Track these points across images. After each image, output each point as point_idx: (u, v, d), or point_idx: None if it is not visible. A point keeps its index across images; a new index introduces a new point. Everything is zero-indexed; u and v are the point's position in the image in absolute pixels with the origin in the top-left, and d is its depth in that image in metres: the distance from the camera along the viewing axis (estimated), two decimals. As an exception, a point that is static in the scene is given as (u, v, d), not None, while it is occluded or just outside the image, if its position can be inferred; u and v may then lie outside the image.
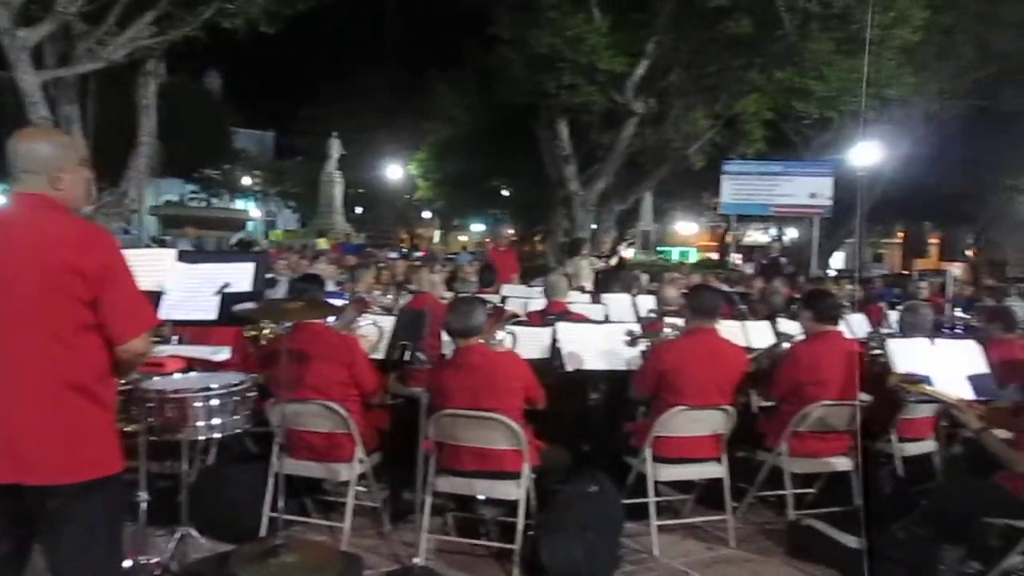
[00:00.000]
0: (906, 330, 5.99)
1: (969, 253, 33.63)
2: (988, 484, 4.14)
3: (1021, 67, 24.24)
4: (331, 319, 5.02)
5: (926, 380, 4.52)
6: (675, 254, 53.04)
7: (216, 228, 24.62)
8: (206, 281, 4.34)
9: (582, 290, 9.50)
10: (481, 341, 4.48)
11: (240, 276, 4.39)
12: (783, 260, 15.22)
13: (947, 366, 4.96)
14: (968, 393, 4.76)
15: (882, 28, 16.69)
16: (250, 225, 38.93)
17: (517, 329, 5.35)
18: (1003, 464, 4.09)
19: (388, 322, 5.53)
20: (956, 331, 8.66)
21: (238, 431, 4.03)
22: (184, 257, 4.53)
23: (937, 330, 7.56)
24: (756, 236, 47.10)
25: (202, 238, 23.00)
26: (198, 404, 3.70)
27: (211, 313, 4.26)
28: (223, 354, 4.48)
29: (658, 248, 40.24)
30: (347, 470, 4.52)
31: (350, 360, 4.55)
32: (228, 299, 4.28)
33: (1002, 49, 23.54)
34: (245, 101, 41.52)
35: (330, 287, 9.41)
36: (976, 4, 22.63)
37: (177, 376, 4.08)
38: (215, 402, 3.75)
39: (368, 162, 38.95)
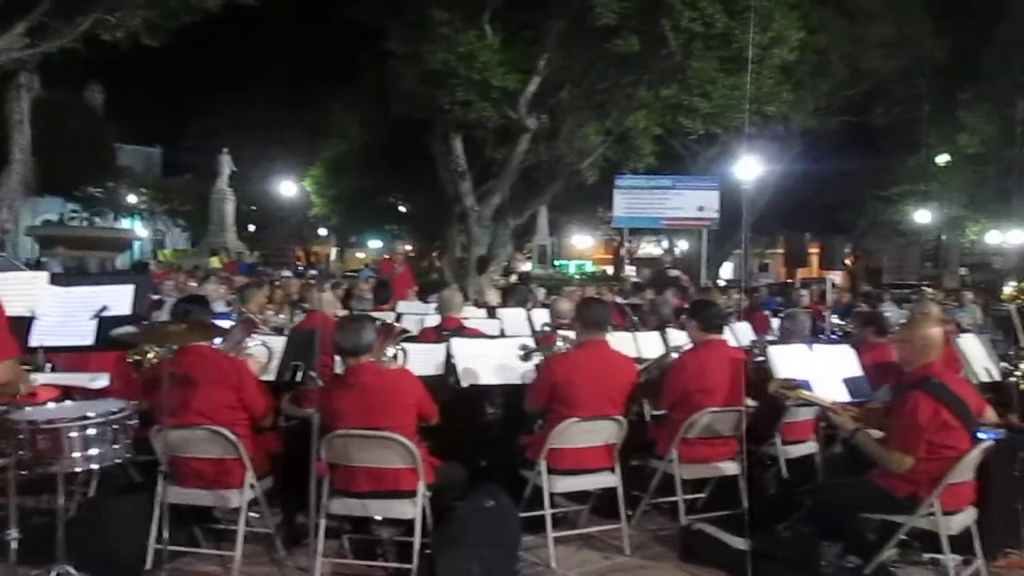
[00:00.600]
0: (785, 337, 6.24)
1: (848, 262, 35.36)
2: (863, 482, 4.34)
3: (889, 85, 25.77)
4: (218, 341, 4.87)
5: (805, 385, 4.71)
6: (572, 267, 53.95)
7: (99, 248, 23.58)
8: (82, 305, 4.15)
9: (486, 306, 9.50)
10: (371, 359, 4.43)
11: (119, 299, 4.22)
12: (673, 272, 15.56)
13: (824, 370, 5.17)
14: (844, 396, 4.98)
15: (761, 48, 17.40)
16: (136, 245, 37.46)
17: (409, 346, 5.31)
18: (876, 462, 4.30)
19: (279, 342, 5.40)
20: (834, 337, 9.04)
21: (119, 461, 3.85)
22: (57, 280, 4.32)
23: (816, 336, 7.89)
24: (650, 248, 48.22)
25: (84, 259, 22.03)
26: (73, 434, 3.53)
27: (87, 338, 4.08)
28: (101, 381, 4.28)
29: (556, 262, 40.77)
30: (238, 496, 4.39)
31: (238, 383, 4.42)
32: (106, 323, 4.10)
33: (872, 68, 24.96)
34: (130, 116, 39.98)
35: (220, 308, 9.17)
36: (848, 26, 23.91)
37: (51, 405, 3.87)
38: (92, 431, 3.58)
39: (261, 179, 38.10)
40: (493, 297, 11.17)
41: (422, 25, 16.99)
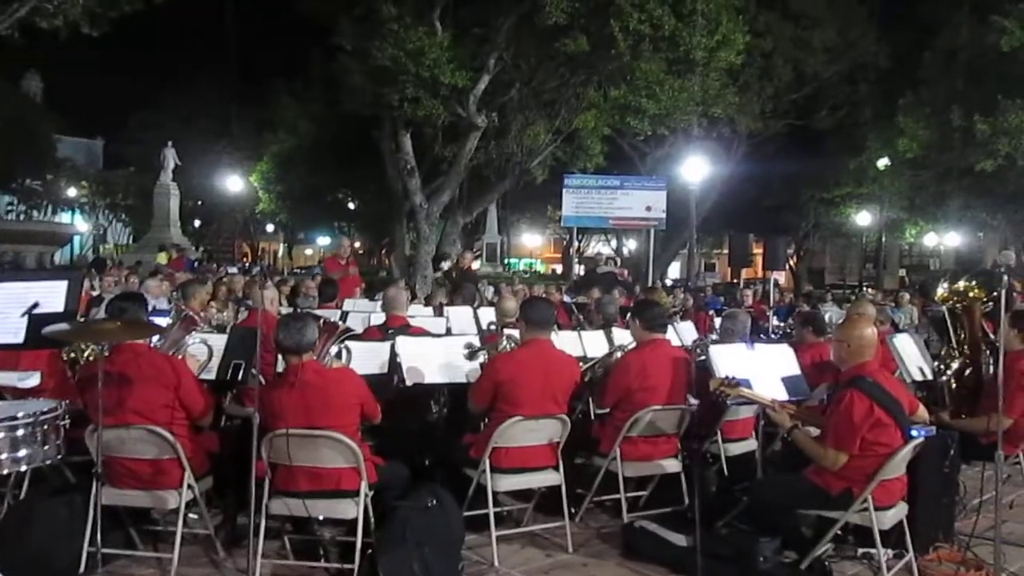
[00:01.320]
0: (725, 336, 6.33)
1: (791, 262, 36.02)
2: (799, 479, 4.42)
3: (832, 90, 26.33)
4: (155, 339, 4.77)
5: (745, 383, 4.78)
6: (521, 266, 54.08)
7: (36, 243, 22.90)
8: (12, 301, 4.02)
9: (436, 304, 9.48)
10: (314, 358, 4.39)
11: (51, 295, 4.10)
12: (604, 269, 15.60)
13: (764, 369, 5.25)
14: (783, 394, 5.06)
15: (708, 51, 17.66)
16: (76, 239, 36.56)
17: (353, 344, 5.26)
18: (812, 459, 4.39)
19: (220, 341, 5.31)
20: (775, 336, 9.21)
21: (49, 462, 3.75)
22: (-15, 276, 4.18)
23: (758, 335, 8.03)
24: (600, 247, 48.57)
25: (21, 254, 21.41)
26: (0, 435, 3.42)
27: (17, 336, 3.96)
28: (32, 380, 4.16)
29: (505, 260, 40.79)
30: (175, 497, 4.30)
31: (175, 381, 4.34)
32: (38, 321, 3.98)
33: (815, 73, 25.48)
34: (71, 107, 39.06)
35: (163, 304, 9.00)
36: (793, 30, 24.38)
37: (-23, 405, 3.75)
38: (21, 432, 3.47)
39: (206, 173, 37.49)
40: (442, 295, 11.18)
41: (371, 20, 16.89)
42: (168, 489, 4.31)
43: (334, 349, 4.86)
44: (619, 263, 19.86)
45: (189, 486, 4.31)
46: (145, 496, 4.34)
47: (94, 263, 17.96)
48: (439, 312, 8.66)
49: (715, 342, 6.57)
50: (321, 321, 4.62)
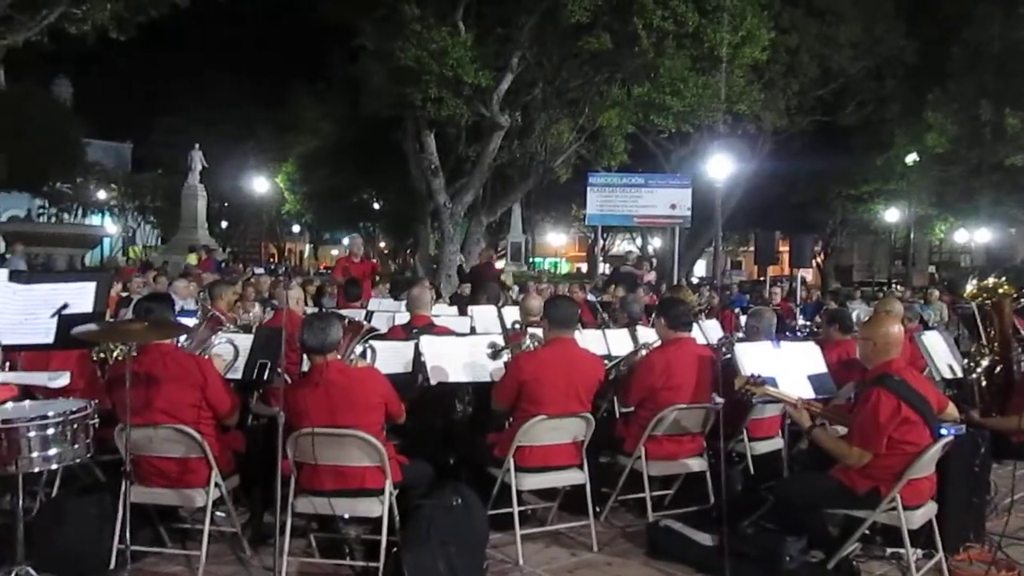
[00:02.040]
0: (750, 334, 6.29)
1: (818, 260, 35.71)
2: (825, 477, 4.39)
3: (859, 85, 26.04)
4: (182, 339, 4.82)
5: (771, 382, 4.75)
6: (546, 265, 54.05)
7: (66, 245, 23.19)
8: (42, 302, 4.08)
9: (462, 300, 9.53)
10: (338, 357, 4.41)
11: (80, 296, 4.15)
12: (626, 268, 15.47)
13: (790, 367, 5.22)
14: (809, 392, 5.03)
15: (732, 47, 17.55)
16: (106, 241, 37.00)
17: (377, 344, 5.28)
18: (837, 458, 4.35)
19: (246, 340, 5.36)
20: (801, 334, 9.15)
21: (79, 461, 3.80)
22: (16, 277, 4.25)
23: (784, 333, 7.97)
24: (625, 246, 48.43)
25: (51, 256, 21.69)
26: (31, 434, 3.47)
27: (48, 336, 4.01)
28: (62, 380, 4.22)
29: (530, 259, 40.83)
30: (202, 495, 4.35)
31: (202, 381, 4.38)
32: (67, 321, 4.04)
33: (841, 69, 25.20)
34: (99, 111, 39.49)
35: (190, 305, 9.11)
36: (818, 26, 24.13)
37: (9, 405, 3.81)
38: (51, 431, 3.52)
39: (232, 175, 37.84)
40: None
41: (393, 21, 16.95)
42: (195, 487, 4.35)
43: (358, 348, 4.89)
44: (654, 264, 19.62)
45: (216, 484, 4.36)
46: (173, 494, 4.39)
47: (142, 267, 18.14)
48: (463, 311, 8.68)
49: (741, 340, 6.54)
50: (345, 321, 4.64)
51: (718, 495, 5.10)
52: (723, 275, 27.29)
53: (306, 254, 58.51)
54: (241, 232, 44.21)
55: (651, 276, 15.50)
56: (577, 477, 4.95)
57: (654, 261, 20.39)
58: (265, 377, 5.20)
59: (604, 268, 28.54)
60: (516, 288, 12.77)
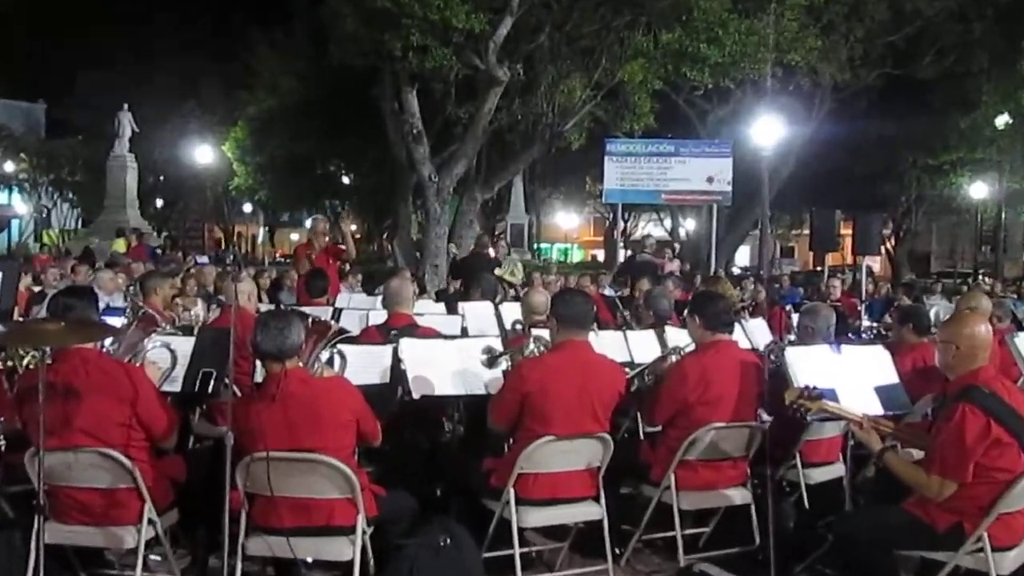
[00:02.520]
0: (805, 336, 6.29)
1: (888, 245, 35.71)
2: (897, 512, 4.39)
3: (938, 31, 25.91)
4: (108, 343, 4.82)
5: (829, 394, 4.74)
6: (554, 253, 54.06)
7: (-36, 228, 23.29)
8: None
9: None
10: (300, 365, 4.42)
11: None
12: (644, 256, 15.34)
13: (853, 377, 5.21)
14: (876, 408, 5.02)
15: (783, -17, 17.52)
16: (14, 224, 37.02)
17: (348, 348, 5.28)
18: (912, 488, 4.35)
19: (186, 344, 5.37)
20: (867, 336, 9.14)
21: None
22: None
23: (845, 335, 7.97)
24: (651, 229, 48.43)
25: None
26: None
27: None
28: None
29: (535, 246, 40.85)
30: (133, 535, 4.36)
31: (132, 394, 4.38)
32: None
33: (917, 10, 25.07)
34: (7, 66, 39.45)
35: (117, 302, 9.12)
36: (889, -42, 24.03)
37: None
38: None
39: (170, 142, 37.85)
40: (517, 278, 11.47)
41: (367, -46, 16.93)
42: (124, 525, 4.36)
43: (325, 355, 4.89)
44: (677, 250, 19.43)
45: (150, 521, 4.36)
46: (97, 534, 4.39)
47: (83, 256, 18.16)
48: (453, 309, 8.68)
49: (793, 344, 6.53)
50: (309, 320, 4.65)
51: (765, 534, 5.11)
52: (771, 264, 27.34)
53: (260, 239, 58.55)
54: (180, 212, 44.22)
55: (673, 265, 15.44)
56: (592, 512, 4.95)
57: (677, 247, 20.26)
58: (210, 389, 5.20)
59: (625, 256, 28.54)
60: (518, 279, 12.71)
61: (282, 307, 7.38)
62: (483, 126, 19.60)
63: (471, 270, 12.27)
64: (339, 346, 5.18)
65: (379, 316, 7.21)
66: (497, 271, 12.05)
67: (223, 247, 43.92)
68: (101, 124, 31.73)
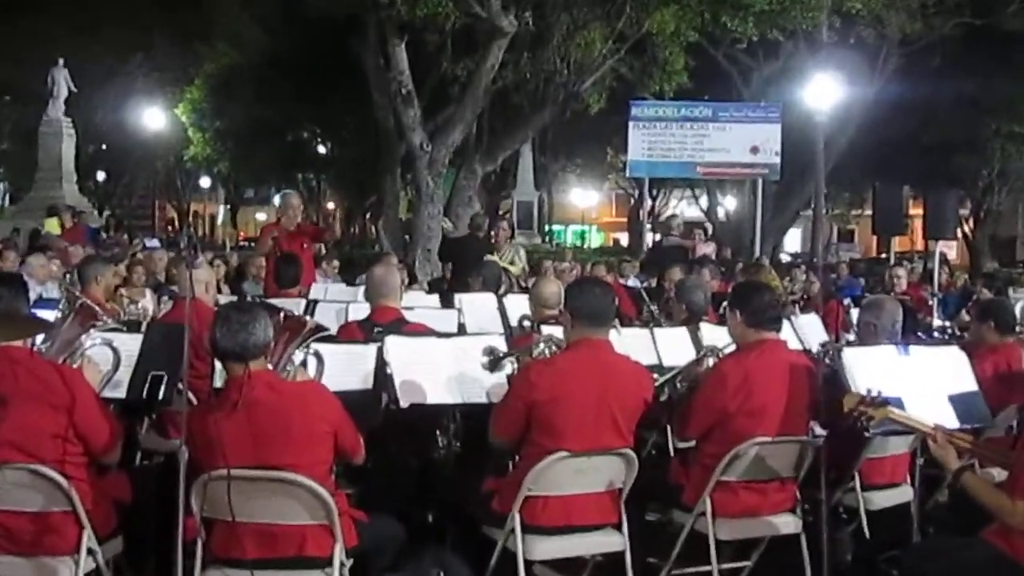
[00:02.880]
0: (866, 335, 6.28)
1: (965, 228, 35.61)
2: (974, 543, 4.38)
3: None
4: (39, 340, 4.83)
5: (895, 403, 4.73)
6: (569, 236, 54.09)
7: None
8: None
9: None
10: (268, 367, 4.42)
11: None
12: (673, 239, 15.17)
13: (923, 383, 5.22)
14: (951, 419, 5.02)
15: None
16: (-71, 201, 37.05)
17: (324, 348, 5.28)
18: (993, 515, 4.34)
19: (131, 343, 5.37)
20: (940, 335, 9.13)
21: None
22: None
23: (914, 334, 7.96)
24: (683, 208, 48.37)
25: None
26: None
27: None
28: None
29: (546, 228, 40.83)
30: (70, 567, 4.36)
31: (68, 401, 4.37)
32: None
33: (1002, -53, 24.99)
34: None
35: (52, 292, 9.15)
36: None
37: None
38: None
39: (113, 105, 37.87)
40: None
41: None
42: (59, 556, 4.35)
43: (298, 356, 4.88)
44: (711, 232, 19.20)
45: (89, 551, 4.36)
46: (26, 566, 4.38)
47: (31, 240, 18.20)
48: (448, 301, 8.69)
49: (852, 344, 6.52)
50: (280, 315, 4.64)
51: (818, 569, 5.10)
52: (826, 251, 27.28)
53: (220, 219, 58.64)
54: (126, 187, 44.27)
55: (708, 248, 15.34)
56: (613, 542, 4.95)
57: (709, 228, 20.06)
58: (160, 395, 5.21)
59: (653, 239, 28.52)
60: (518, 269, 12.53)
61: (247, 299, 7.39)
62: (485, 85, 19.58)
63: (461, 254, 12.19)
64: (315, 346, 5.18)
65: (361, 310, 7.23)
66: (492, 258, 11.91)
67: (176, 228, 43.92)
68: (31, 82, 31.68)
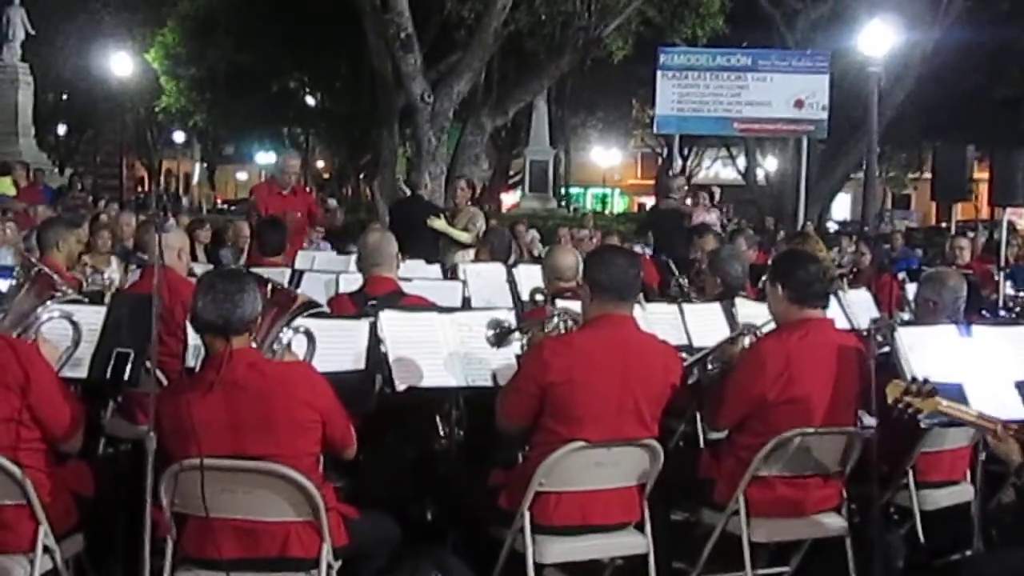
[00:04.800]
0: (924, 313, 6.25)
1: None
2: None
3: None
4: (-10, 313, 4.84)
5: (951, 391, 4.71)
6: (589, 200, 54.01)
7: None
8: None
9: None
10: (252, 345, 4.42)
11: None
12: (670, 203, 14.76)
13: (988, 368, 5.21)
14: (1017, 410, 5.00)
15: None
16: None
17: (314, 323, 5.27)
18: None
19: (93, 316, 5.37)
20: (1008, 313, 9.12)
21: None
22: None
23: (978, 312, 7.93)
24: (717, 169, 48.30)
25: None
26: None
27: None
28: None
29: (563, 190, 40.78)
30: (24, 566, 4.37)
31: (22, 380, 4.37)
32: None
33: None
34: None
35: (5, 259, 9.17)
36: None
37: None
38: None
39: (77, 48, 37.80)
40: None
41: None
42: (13, 553, 4.37)
43: (286, 334, 4.87)
44: (716, 197, 18.31)
45: (46, 549, 4.37)
46: (-24, 565, 4.42)
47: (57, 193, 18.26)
48: (451, 272, 8.69)
49: (907, 323, 6.49)
50: (268, 287, 4.62)
51: (867, 574, 5.10)
52: (880, 218, 27.18)
53: (195, 178, 58.64)
54: (90, 143, 44.28)
55: (710, 216, 15.08)
56: (635, 543, 4.96)
57: (716, 192, 19.55)
58: (126, 375, 5.20)
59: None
60: (468, 239, 11.94)
61: (225, 267, 7.39)
62: (494, 29, 19.53)
63: (402, 219, 11.98)
64: (302, 322, 5.17)
65: (353, 281, 7.22)
66: (436, 222, 11.67)
67: (146, 188, 43.97)
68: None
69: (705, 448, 5.79)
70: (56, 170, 30.32)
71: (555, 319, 5.54)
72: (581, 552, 4.99)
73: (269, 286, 4.75)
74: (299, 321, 5.18)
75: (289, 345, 5.07)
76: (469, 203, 12.91)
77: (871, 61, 21.81)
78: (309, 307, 5.08)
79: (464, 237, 11.71)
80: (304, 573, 4.30)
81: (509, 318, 5.69)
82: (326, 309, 6.08)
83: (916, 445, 5.61)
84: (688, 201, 14.99)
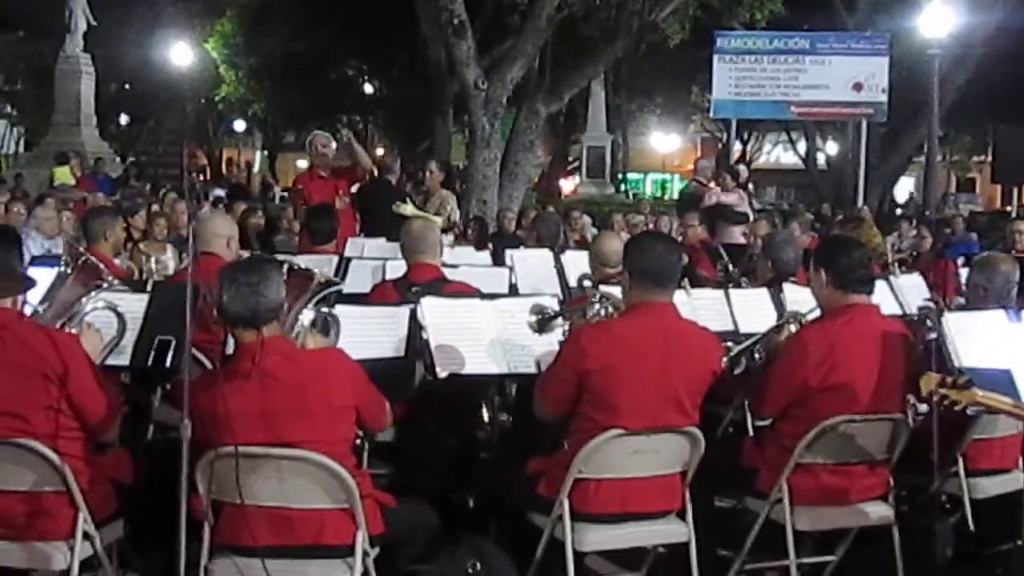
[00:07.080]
0: (976, 298, 6.15)
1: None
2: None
3: None
4: (32, 302, 4.87)
5: (1001, 379, 4.63)
6: (647, 185, 53.83)
7: None
8: None
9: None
10: (280, 333, 4.43)
11: None
12: (706, 190, 14.40)
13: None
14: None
15: None
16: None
17: (346, 310, 5.27)
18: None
19: (136, 304, 5.41)
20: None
21: None
22: None
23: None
24: (778, 153, 47.92)
25: None
26: None
27: None
28: None
29: (621, 175, 40.68)
30: (65, 553, 4.41)
31: (62, 370, 4.40)
32: None
33: None
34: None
35: (57, 247, 9.26)
36: None
37: None
38: None
39: (137, 39, 38.06)
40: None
41: None
42: (52, 540, 4.41)
43: (307, 315, 4.86)
44: (743, 177, 17.34)
45: (86, 536, 4.41)
46: (17, 551, 4.44)
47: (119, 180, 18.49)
48: (499, 258, 8.68)
49: (959, 309, 6.41)
50: (283, 269, 4.59)
51: (913, 565, 5.03)
52: (943, 202, 26.91)
53: (256, 167, 58.99)
54: (151, 132, 44.67)
55: (730, 197, 14.65)
56: (676, 531, 4.94)
57: (743, 171, 18.80)
58: (168, 363, 5.23)
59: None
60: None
61: (262, 255, 7.41)
62: (548, 14, 19.46)
63: (369, 203, 11.84)
64: (337, 308, 5.17)
65: (400, 268, 7.23)
66: (405, 208, 11.15)
67: (207, 177, 44.25)
68: (47, 16, 31.99)
69: (750, 436, 5.74)
70: (118, 159, 30.61)
71: (596, 305, 5.50)
72: (621, 540, 4.98)
73: (285, 267, 4.73)
74: (337, 307, 5.21)
75: (314, 324, 5.08)
76: (441, 186, 12.80)
77: (932, 43, 21.57)
78: (327, 286, 5.07)
79: (438, 221, 11.56)
80: (340, 560, 4.31)
81: (552, 304, 5.67)
82: (343, 285, 6.11)
83: (966, 432, 5.55)
84: (712, 184, 14.68)
